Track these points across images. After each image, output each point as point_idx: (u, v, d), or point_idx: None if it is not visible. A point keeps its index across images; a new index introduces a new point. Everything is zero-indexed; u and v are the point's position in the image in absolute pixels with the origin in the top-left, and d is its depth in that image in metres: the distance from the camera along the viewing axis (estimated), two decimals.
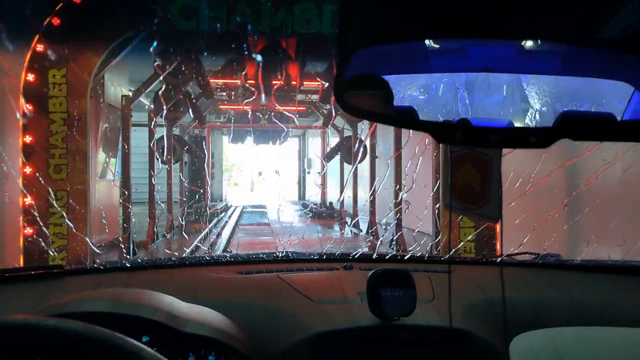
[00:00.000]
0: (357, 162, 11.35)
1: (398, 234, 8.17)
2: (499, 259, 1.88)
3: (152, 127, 8.92)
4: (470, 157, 1.00)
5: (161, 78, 7.66)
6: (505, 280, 1.03)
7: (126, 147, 7.37)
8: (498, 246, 5.14)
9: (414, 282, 1.30)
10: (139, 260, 3.03)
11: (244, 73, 8.51)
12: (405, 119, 0.80)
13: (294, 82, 9.14)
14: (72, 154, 5.23)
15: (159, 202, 10.07)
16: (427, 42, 0.80)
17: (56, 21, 5.23)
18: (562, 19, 0.65)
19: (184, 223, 11.28)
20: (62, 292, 1.41)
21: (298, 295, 1.46)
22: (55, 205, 5.06)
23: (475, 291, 1.47)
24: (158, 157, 11.28)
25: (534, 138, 0.66)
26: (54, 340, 0.73)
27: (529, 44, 0.82)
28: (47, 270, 1.58)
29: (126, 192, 7.40)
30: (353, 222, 11.47)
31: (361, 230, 10.85)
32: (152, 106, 9.14)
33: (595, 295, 1.57)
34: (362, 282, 1.32)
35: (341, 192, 13.13)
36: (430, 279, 1.54)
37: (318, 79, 9.13)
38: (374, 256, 1.93)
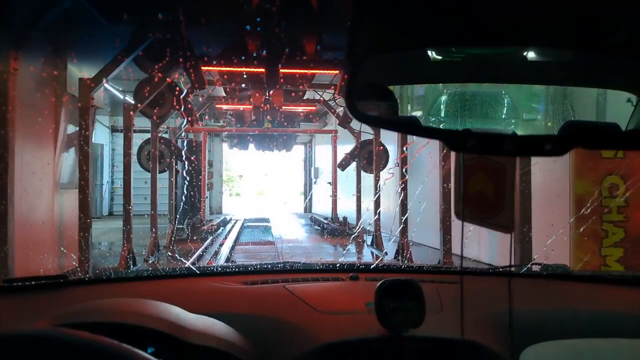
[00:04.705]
0: (379, 170, 9.51)
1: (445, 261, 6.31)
2: (508, 270, 1.84)
3: (128, 124, 7.04)
4: (483, 165, 1.01)
5: (132, 57, 5.82)
6: (514, 291, 1.12)
7: (85, 146, 5.52)
8: None
9: (423, 293, 1.29)
10: (143, 271, 2.56)
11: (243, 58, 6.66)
12: (418, 126, 0.81)
13: (306, 70, 7.26)
14: None
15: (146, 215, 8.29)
16: (432, 53, 0.86)
17: None
18: (566, 26, 0.65)
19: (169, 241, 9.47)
20: (67, 302, 1.39)
21: (304, 306, 1.46)
22: None
23: (484, 302, 1.43)
24: (141, 164, 9.58)
25: (549, 146, 0.66)
26: (60, 351, 0.75)
27: (531, 54, 0.85)
28: (51, 280, 1.59)
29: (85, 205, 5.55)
30: (374, 242, 9.55)
31: (386, 253, 8.91)
32: (131, 101, 7.37)
33: (604, 306, 1.57)
34: (369, 292, 1.31)
35: (358, 204, 11.22)
36: (437, 290, 1.53)
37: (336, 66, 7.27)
38: (380, 266, 1.93)
